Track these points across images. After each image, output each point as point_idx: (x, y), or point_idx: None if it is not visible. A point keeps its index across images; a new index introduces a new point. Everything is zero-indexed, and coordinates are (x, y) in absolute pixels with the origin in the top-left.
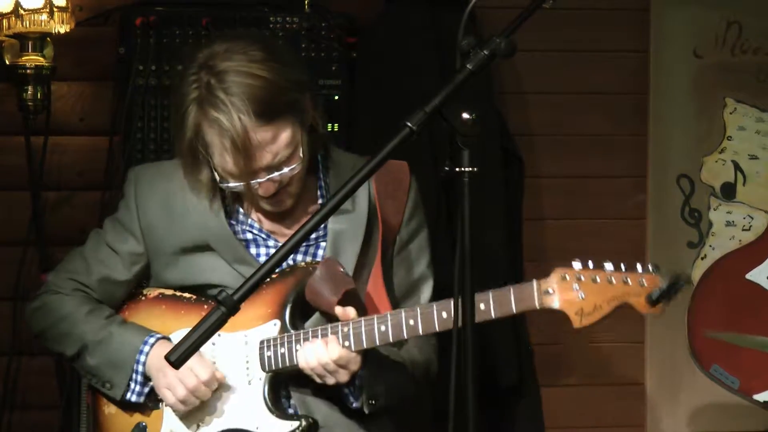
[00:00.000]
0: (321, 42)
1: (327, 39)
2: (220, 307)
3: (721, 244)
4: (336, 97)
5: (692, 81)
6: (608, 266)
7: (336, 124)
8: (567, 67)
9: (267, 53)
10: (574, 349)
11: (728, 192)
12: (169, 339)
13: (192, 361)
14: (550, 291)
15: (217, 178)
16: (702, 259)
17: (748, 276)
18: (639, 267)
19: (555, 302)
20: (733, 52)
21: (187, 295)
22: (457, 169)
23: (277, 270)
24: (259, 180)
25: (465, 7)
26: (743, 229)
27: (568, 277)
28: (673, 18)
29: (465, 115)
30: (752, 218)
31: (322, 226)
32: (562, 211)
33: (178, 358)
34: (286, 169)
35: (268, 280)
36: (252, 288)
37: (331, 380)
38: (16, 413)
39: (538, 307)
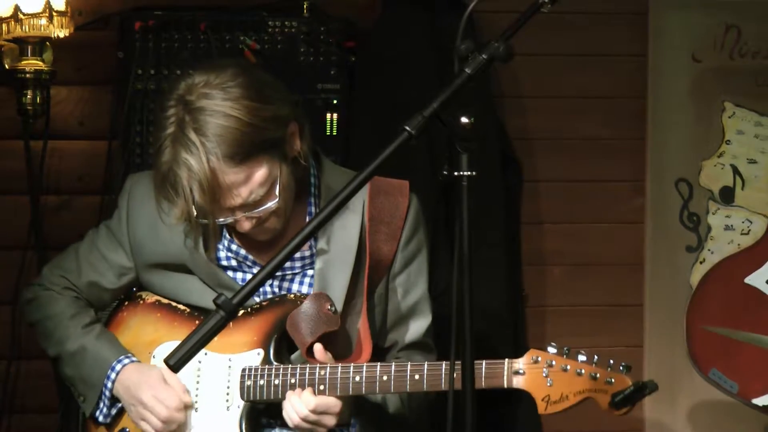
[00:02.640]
0: (320, 46)
1: (326, 43)
2: (219, 311)
3: (719, 248)
4: (335, 102)
5: (691, 85)
6: (581, 357)
7: (335, 129)
8: (565, 70)
9: (245, 89)
10: None
11: (727, 196)
12: (138, 362)
13: (159, 392)
14: (520, 372)
15: (193, 212)
16: (701, 263)
17: (747, 280)
18: (611, 363)
19: (523, 384)
20: (731, 56)
21: (182, 306)
22: (456, 174)
23: (267, 299)
24: (234, 217)
25: (463, 12)
26: (742, 233)
27: (540, 360)
28: (672, 22)
29: (463, 119)
30: (751, 222)
31: (309, 254)
32: (560, 215)
33: (177, 361)
34: (262, 207)
35: (259, 307)
36: (251, 292)
37: (321, 430)
38: (15, 417)
39: (505, 386)
